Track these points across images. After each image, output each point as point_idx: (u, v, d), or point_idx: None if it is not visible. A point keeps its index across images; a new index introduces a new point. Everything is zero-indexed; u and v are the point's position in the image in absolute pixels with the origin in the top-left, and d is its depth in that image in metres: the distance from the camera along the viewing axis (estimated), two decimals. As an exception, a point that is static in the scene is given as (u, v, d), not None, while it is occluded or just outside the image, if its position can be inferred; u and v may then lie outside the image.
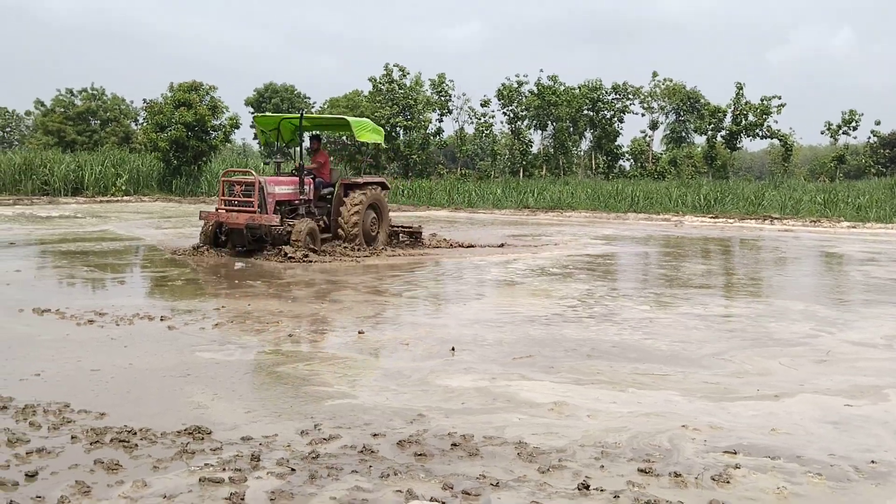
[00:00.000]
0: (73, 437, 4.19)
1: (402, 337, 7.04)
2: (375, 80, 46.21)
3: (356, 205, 13.97)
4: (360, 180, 14.78)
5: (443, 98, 46.52)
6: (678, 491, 3.70)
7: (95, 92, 47.62)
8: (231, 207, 13.10)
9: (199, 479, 3.62)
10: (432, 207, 29.92)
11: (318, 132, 15.45)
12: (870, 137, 45.08)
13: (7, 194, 28.98)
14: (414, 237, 15.68)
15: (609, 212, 27.52)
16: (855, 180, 43.08)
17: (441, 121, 47.47)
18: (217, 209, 13.30)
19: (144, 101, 34.48)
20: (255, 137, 20.47)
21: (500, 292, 10.16)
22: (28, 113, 56.49)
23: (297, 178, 13.76)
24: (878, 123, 45.28)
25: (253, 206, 12.85)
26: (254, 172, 13.91)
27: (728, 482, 3.82)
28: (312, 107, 50.87)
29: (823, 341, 7.19)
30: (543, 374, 5.79)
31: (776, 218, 24.82)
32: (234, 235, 13.20)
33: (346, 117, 15.08)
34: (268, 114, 16.14)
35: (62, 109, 46.48)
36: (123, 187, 31.06)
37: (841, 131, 43.69)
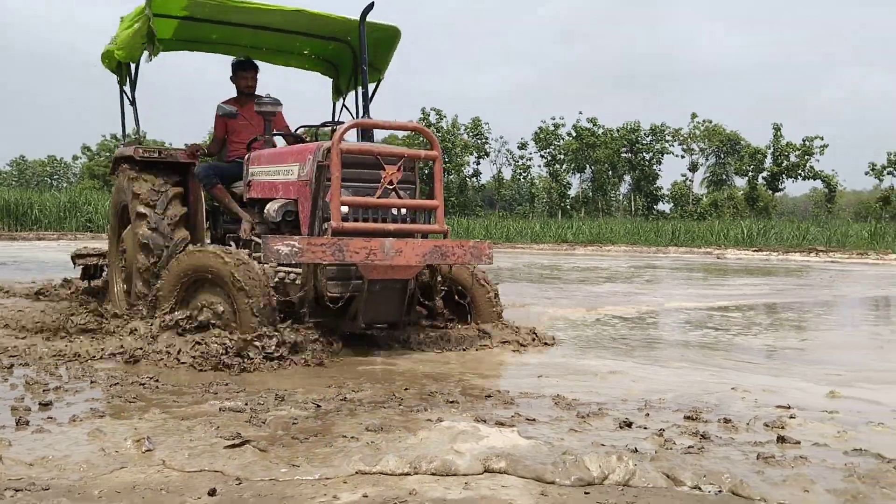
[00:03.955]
0: (92, 382, 4.06)
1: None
2: (413, 124, 46.71)
3: None
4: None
5: (479, 141, 46.83)
6: (728, 432, 3.43)
7: (139, 137, 48.83)
8: (378, 225, 5.07)
9: (220, 409, 3.46)
10: (469, 243, 29.77)
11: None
12: (917, 177, 44.24)
13: (52, 230, 29.61)
14: None
15: (649, 245, 27.15)
16: (902, 221, 42.19)
17: (478, 164, 47.72)
18: (334, 230, 4.76)
19: (186, 145, 35.12)
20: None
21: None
22: (75, 158, 58.03)
23: None
24: (925, 163, 44.46)
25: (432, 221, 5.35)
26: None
27: (783, 427, 3.54)
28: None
29: None
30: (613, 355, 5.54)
31: (821, 250, 24.26)
32: (376, 300, 5.18)
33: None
34: None
35: (107, 154, 47.70)
36: (165, 224, 31.52)
37: (886, 171, 42.97)
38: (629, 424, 3.42)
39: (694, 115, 48.34)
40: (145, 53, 6.21)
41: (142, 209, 6.12)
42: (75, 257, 8.32)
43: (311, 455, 2.79)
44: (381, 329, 5.58)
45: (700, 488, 2.62)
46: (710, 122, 48.65)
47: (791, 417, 3.73)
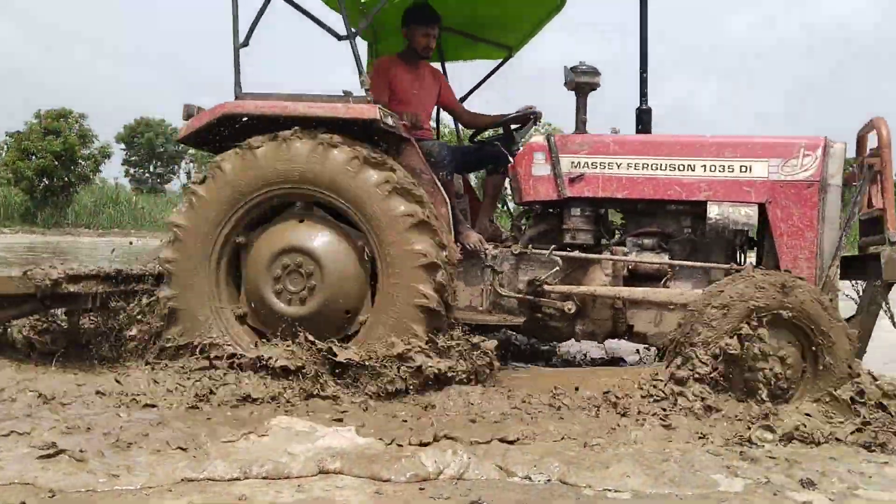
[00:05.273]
0: None
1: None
2: (255, 117, 45.52)
3: None
4: None
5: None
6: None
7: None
8: None
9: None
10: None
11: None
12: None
13: None
14: None
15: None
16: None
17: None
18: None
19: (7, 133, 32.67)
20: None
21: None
22: None
23: None
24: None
25: None
26: None
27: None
28: (191, 143, 49.28)
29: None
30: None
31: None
32: None
33: None
34: None
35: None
36: (-21, 218, 29.10)
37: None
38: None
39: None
40: None
41: (413, 206, 4.01)
42: (65, 282, 4.06)
43: (133, 463, 2.64)
44: None
45: (531, 478, 2.70)
46: (550, 124, 50.45)
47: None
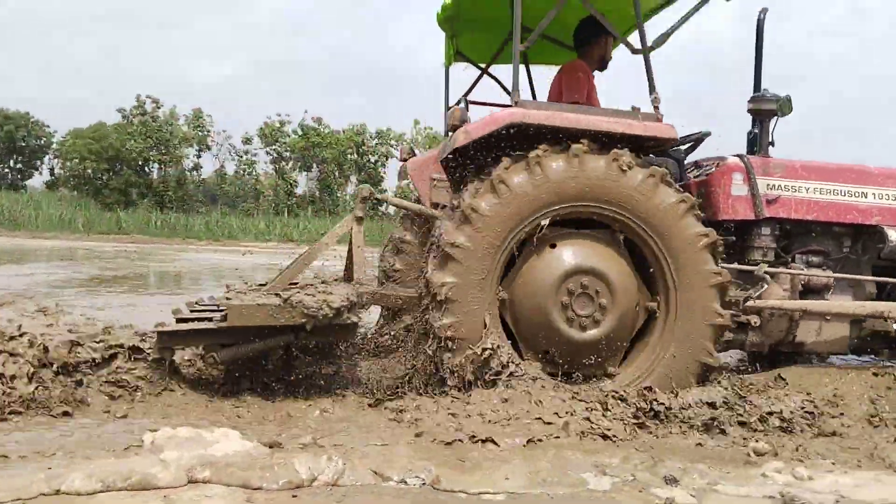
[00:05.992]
0: None
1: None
2: (125, 111, 43.58)
3: None
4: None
5: (201, 133, 44.94)
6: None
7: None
8: None
9: None
10: (189, 240, 28.45)
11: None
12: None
13: None
14: None
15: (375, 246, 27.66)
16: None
17: (199, 157, 45.78)
18: None
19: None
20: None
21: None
22: None
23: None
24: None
25: None
26: None
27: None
28: (53, 136, 46.71)
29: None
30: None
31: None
32: None
33: None
34: None
35: None
36: None
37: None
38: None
39: (417, 122, 50.13)
40: None
41: (721, 269, 4.04)
42: (346, 311, 3.79)
43: (-17, 478, 2.47)
44: None
45: (406, 482, 2.71)
46: (431, 128, 50.78)
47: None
